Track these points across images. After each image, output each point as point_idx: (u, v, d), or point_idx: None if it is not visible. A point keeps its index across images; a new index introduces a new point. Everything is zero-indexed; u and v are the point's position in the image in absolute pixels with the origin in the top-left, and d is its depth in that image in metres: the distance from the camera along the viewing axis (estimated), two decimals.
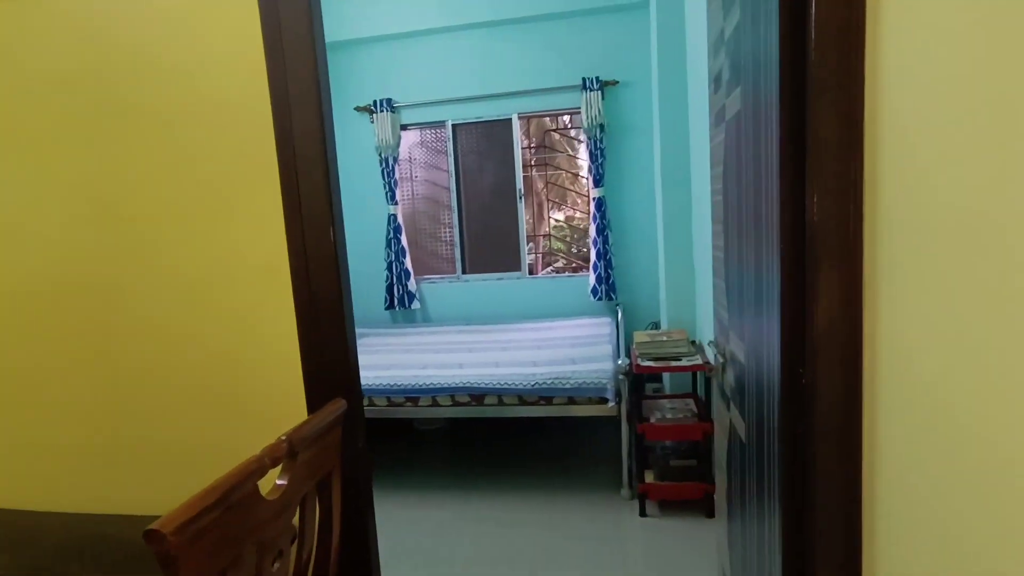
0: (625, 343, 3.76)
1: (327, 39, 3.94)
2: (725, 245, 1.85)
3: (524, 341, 4.24)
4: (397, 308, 5.21)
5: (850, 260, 1.10)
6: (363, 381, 3.48)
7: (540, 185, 5.32)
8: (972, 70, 0.73)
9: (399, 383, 3.46)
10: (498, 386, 3.32)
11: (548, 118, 5.18)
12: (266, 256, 1.48)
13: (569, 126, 5.20)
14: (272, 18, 1.32)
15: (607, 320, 4.62)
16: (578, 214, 5.38)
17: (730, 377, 1.83)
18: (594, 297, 4.89)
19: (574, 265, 5.33)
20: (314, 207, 1.44)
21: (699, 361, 3.09)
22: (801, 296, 1.19)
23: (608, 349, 3.76)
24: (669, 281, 3.60)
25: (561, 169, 5.29)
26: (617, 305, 4.79)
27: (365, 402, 3.46)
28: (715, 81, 1.92)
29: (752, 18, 1.39)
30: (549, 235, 5.40)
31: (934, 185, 0.83)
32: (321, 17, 1.41)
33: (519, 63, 4.90)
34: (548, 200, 5.47)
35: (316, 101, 1.37)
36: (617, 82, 4.74)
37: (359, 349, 4.48)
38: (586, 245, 5.26)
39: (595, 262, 4.86)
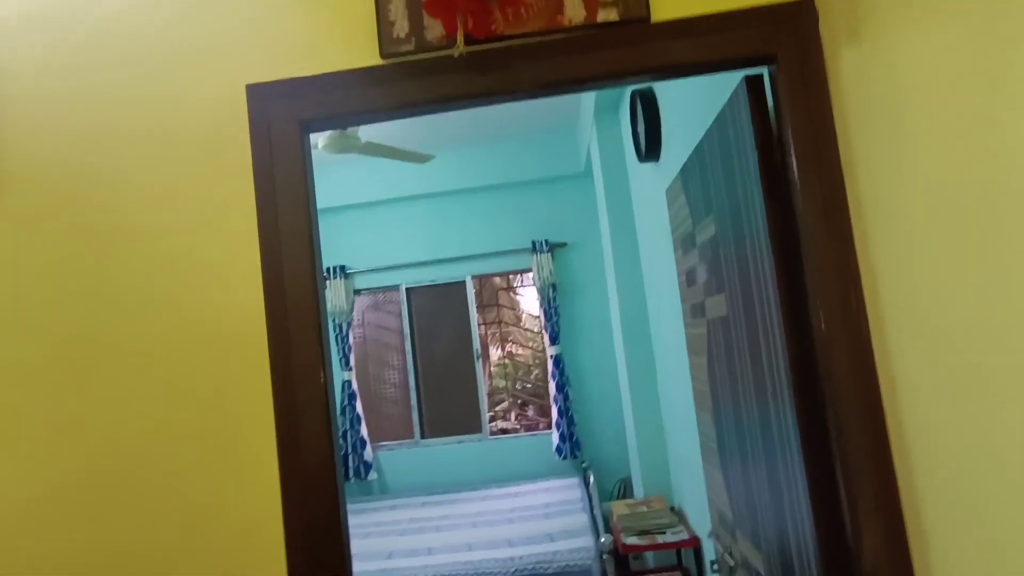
0: (601, 512, 3.61)
1: None
2: (718, 438, 1.83)
3: (494, 513, 4.00)
4: (353, 480, 4.89)
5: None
6: None
7: (483, 330, 5.33)
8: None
9: None
10: (476, 575, 3.06)
11: (500, 278, 5.31)
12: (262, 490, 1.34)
13: (519, 285, 5.34)
14: (274, 263, 1.30)
15: (575, 481, 4.46)
16: (520, 350, 5.37)
17: None
18: (559, 456, 4.76)
19: (531, 420, 5.23)
20: (313, 452, 1.33)
21: (684, 535, 2.97)
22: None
23: (584, 519, 3.59)
24: (641, 446, 3.55)
25: (511, 325, 5.35)
26: (584, 463, 4.66)
27: None
28: (687, 276, 2.01)
29: (733, 240, 1.48)
30: (491, 374, 5.30)
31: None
32: (321, 259, 1.40)
33: (471, 228, 5.08)
34: (495, 343, 5.45)
35: (316, 339, 1.32)
36: (566, 244, 4.96)
37: None
38: (529, 381, 5.22)
39: (557, 420, 4.78)
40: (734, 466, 1.70)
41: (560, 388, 4.78)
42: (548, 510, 3.90)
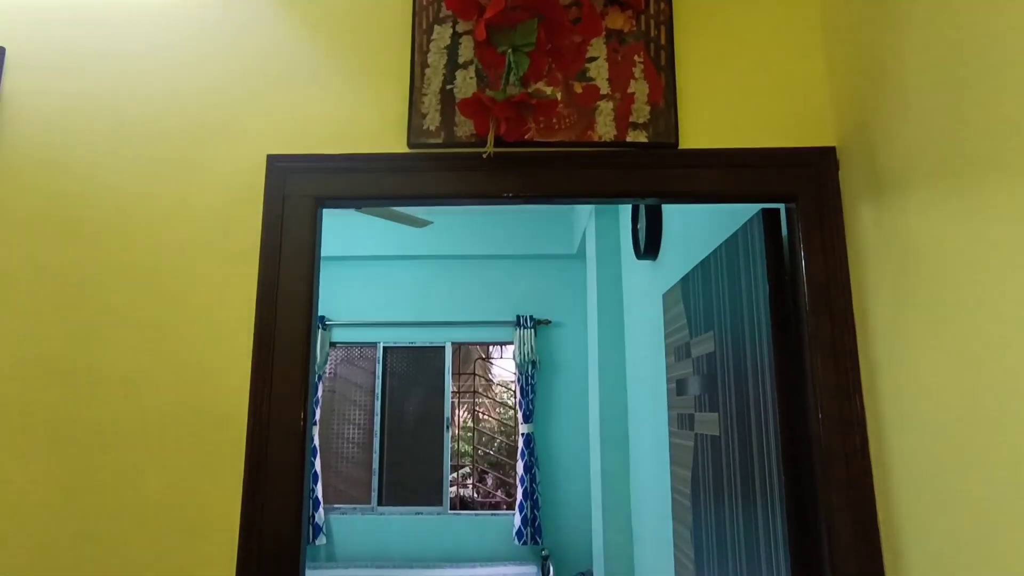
0: None
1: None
2: (697, 554, 1.77)
3: None
4: None
5: None
6: None
7: (456, 399, 5.21)
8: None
9: None
10: None
11: (477, 345, 5.26)
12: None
13: (496, 356, 5.28)
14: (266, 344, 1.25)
15: (533, 570, 4.29)
16: (487, 417, 5.24)
17: None
18: (518, 540, 4.59)
19: (489, 491, 5.05)
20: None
21: None
22: None
23: None
24: (608, 544, 3.43)
25: (483, 395, 5.25)
26: (544, 551, 4.49)
27: None
28: (678, 384, 1.99)
29: (733, 364, 1.47)
30: (457, 438, 5.14)
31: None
32: (317, 338, 1.36)
33: (456, 295, 5.06)
34: (464, 406, 5.32)
35: (300, 447, 1.26)
36: (550, 322, 4.96)
37: None
38: (492, 450, 5.08)
39: (521, 501, 4.64)
40: None
41: (528, 468, 4.66)
42: None
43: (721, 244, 1.58)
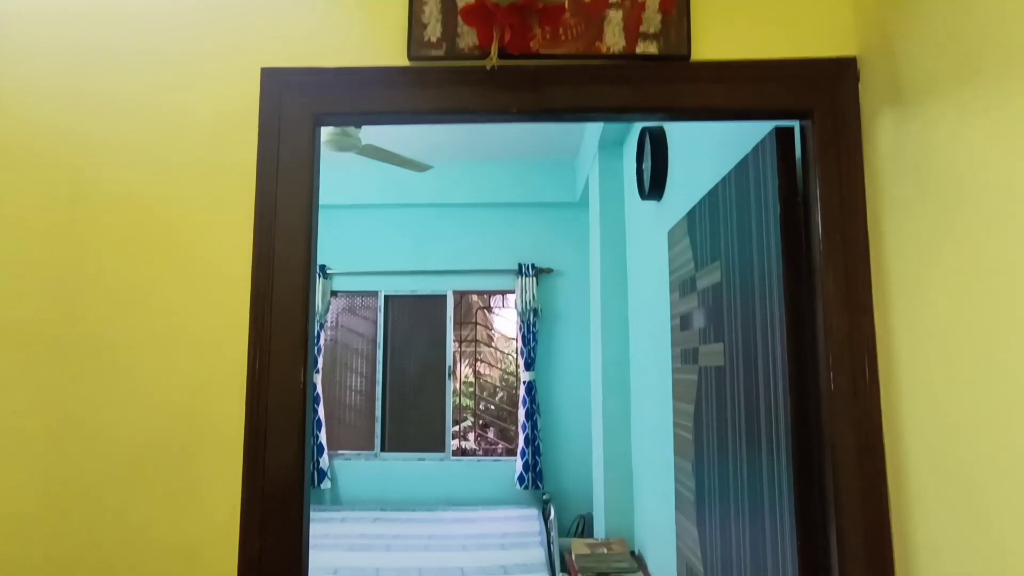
0: (559, 548, 3.52)
1: None
2: (698, 489, 1.78)
3: (448, 538, 3.88)
4: None
5: None
6: None
7: (457, 347, 5.23)
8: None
9: None
10: None
11: (477, 296, 5.24)
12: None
13: (497, 306, 5.27)
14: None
15: (534, 513, 4.37)
16: (488, 371, 5.27)
17: None
18: (520, 485, 4.67)
19: (491, 443, 5.13)
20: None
21: None
22: None
23: (541, 555, 3.50)
24: (608, 486, 3.48)
25: (486, 343, 5.27)
26: (545, 496, 4.57)
27: None
28: (682, 319, 1.98)
29: (740, 291, 1.45)
30: (459, 392, 5.18)
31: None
32: (316, 260, 1.33)
33: (458, 243, 5.03)
34: (465, 360, 5.34)
35: (302, 354, 1.24)
36: (552, 270, 4.93)
37: None
38: (494, 403, 5.14)
39: (523, 448, 4.70)
40: (713, 519, 1.65)
41: (529, 415, 4.71)
42: (504, 540, 3.80)
43: (730, 171, 1.54)
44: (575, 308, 4.91)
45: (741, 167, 1.45)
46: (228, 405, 1.21)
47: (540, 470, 4.67)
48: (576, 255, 4.95)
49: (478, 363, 5.24)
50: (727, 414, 1.55)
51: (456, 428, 5.06)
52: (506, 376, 5.23)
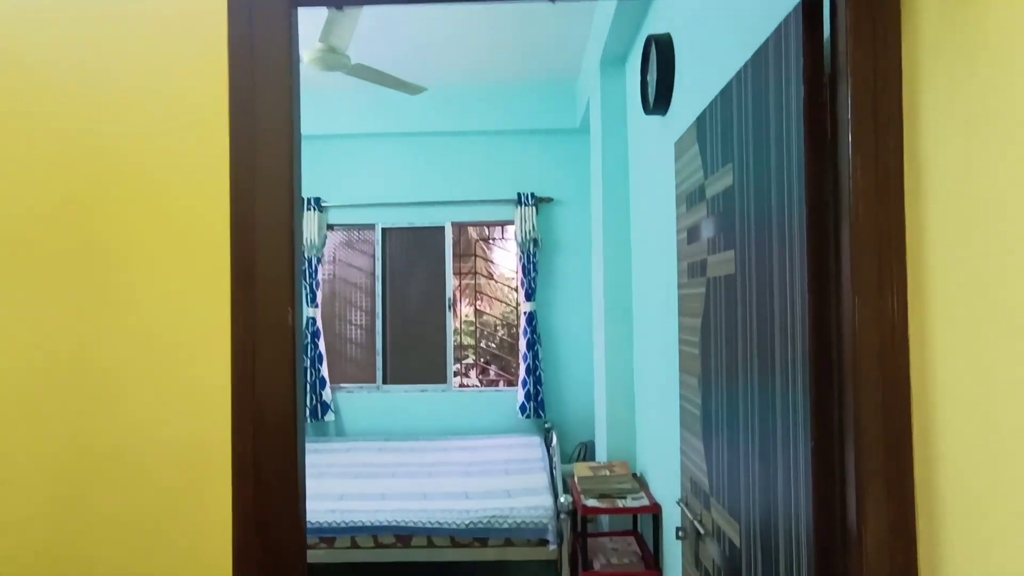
0: (561, 474, 3.56)
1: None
2: (704, 403, 1.75)
3: (452, 465, 3.93)
4: (309, 420, 4.76)
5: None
6: None
7: (456, 281, 5.18)
8: None
9: (312, 519, 3.04)
10: (429, 525, 2.99)
11: (475, 228, 5.14)
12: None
13: (497, 238, 5.17)
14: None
15: (536, 441, 4.42)
16: (488, 310, 5.24)
17: (712, 552, 1.67)
18: (522, 414, 4.70)
19: (488, 373, 5.14)
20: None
21: (645, 501, 2.93)
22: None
23: (544, 479, 3.54)
24: (610, 412, 3.48)
25: (486, 277, 5.20)
26: (547, 424, 4.61)
27: None
28: (689, 233, 1.89)
29: (754, 191, 1.35)
30: (460, 331, 5.16)
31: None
32: (300, 163, 1.24)
33: (455, 173, 4.89)
34: (466, 298, 5.30)
35: (289, 266, 1.16)
36: (552, 199, 4.81)
37: None
38: (495, 341, 5.14)
39: (524, 378, 4.71)
40: (720, 433, 1.62)
41: (530, 346, 4.70)
42: (508, 466, 3.84)
43: (745, 63, 1.42)
44: (576, 237, 4.82)
45: (758, 56, 1.34)
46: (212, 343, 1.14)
47: (542, 399, 4.69)
48: (576, 183, 4.82)
49: (478, 299, 5.20)
50: (737, 323, 1.49)
51: (457, 366, 5.06)
52: (508, 313, 5.19)
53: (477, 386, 5.10)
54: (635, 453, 3.44)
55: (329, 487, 3.51)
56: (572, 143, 4.83)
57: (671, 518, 2.71)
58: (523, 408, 4.70)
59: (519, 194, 4.74)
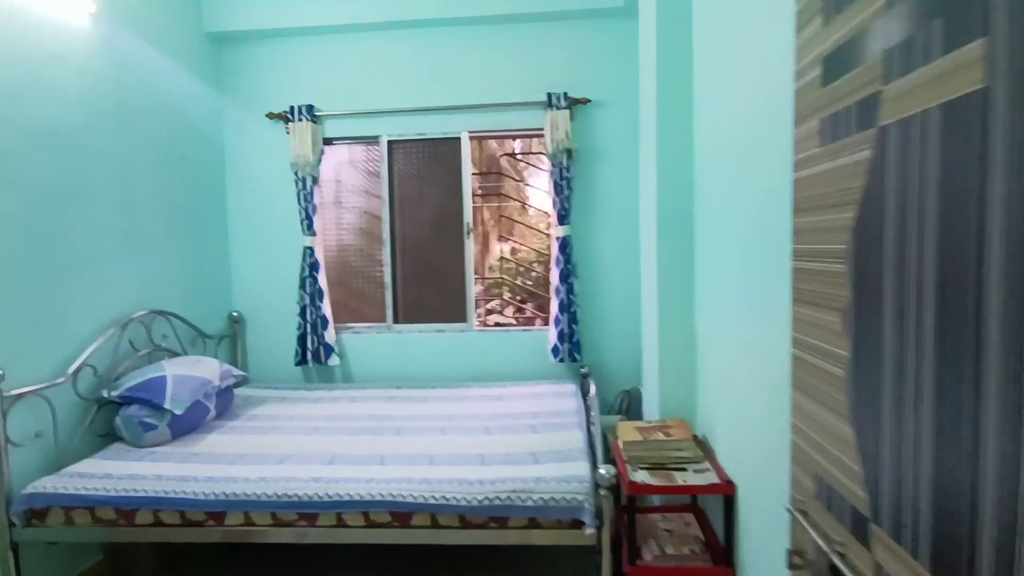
0: (601, 428, 2.88)
1: (234, 27, 2.91)
2: (861, 358, 0.99)
3: (469, 417, 3.29)
4: (311, 363, 4.17)
5: None
6: (241, 484, 2.47)
7: (487, 215, 4.42)
8: None
9: (290, 491, 2.44)
10: (433, 501, 2.35)
11: (499, 141, 4.33)
12: None
13: (523, 152, 4.35)
14: None
15: (571, 388, 3.74)
16: (524, 247, 4.48)
17: None
18: (554, 357, 4.01)
19: (524, 311, 4.42)
20: None
21: (714, 477, 2.22)
22: None
23: (579, 439, 2.86)
24: (663, 357, 2.74)
25: (512, 198, 4.41)
26: (583, 369, 3.91)
27: (238, 520, 2.44)
28: (833, 61, 1.08)
29: None
30: (488, 267, 4.45)
31: None
32: None
33: (472, 72, 4.05)
34: (495, 232, 4.55)
35: None
36: (589, 100, 3.95)
37: (249, 418, 3.42)
38: (531, 278, 4.41)
39: (556, 315, 3.99)
40: (906, 416, 0.86)
41: (564, 278, 3.95)
42: (535, 421, 3.18)
43: None
44: (619, 145, 3.98)
45: None
46: None
47: (577, 340, 3.98)
48: (620, 79, 3.94)
49: (506, 229, 4.42)
50: (974, 199, 0.71)
51: (489, 306, 4.36)
52: (545, 249, 4.41)
53: (502, 325, 4.40)
54: (695, 408, 2.72)
55: (321, 446, 2.91)
56: (614, 31, 3.92)
57: (749, 501, 2.01)
58: (555, 350, 4.00)
59: (549, 95, 3.89)
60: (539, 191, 4.32)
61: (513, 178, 4.38)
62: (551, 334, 4.03)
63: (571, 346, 3.98)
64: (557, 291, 3.98)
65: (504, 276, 4.42)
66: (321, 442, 2.98)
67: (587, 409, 3.36)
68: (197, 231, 3.94)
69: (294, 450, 2.88)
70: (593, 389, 3.18)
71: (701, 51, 2.53)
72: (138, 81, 3.38)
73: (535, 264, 4.42)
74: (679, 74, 2.66)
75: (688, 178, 2.67)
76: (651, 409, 3.00)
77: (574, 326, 3.96)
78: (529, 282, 4.44)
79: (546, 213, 4.23)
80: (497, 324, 4.38)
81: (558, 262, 3.97)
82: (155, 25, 3.55)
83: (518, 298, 4.45)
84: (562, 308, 3.96)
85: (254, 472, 2.59)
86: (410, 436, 3.04)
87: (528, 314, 4.41)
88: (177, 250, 3.72)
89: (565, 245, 3.94)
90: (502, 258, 4.43)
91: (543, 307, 4.35)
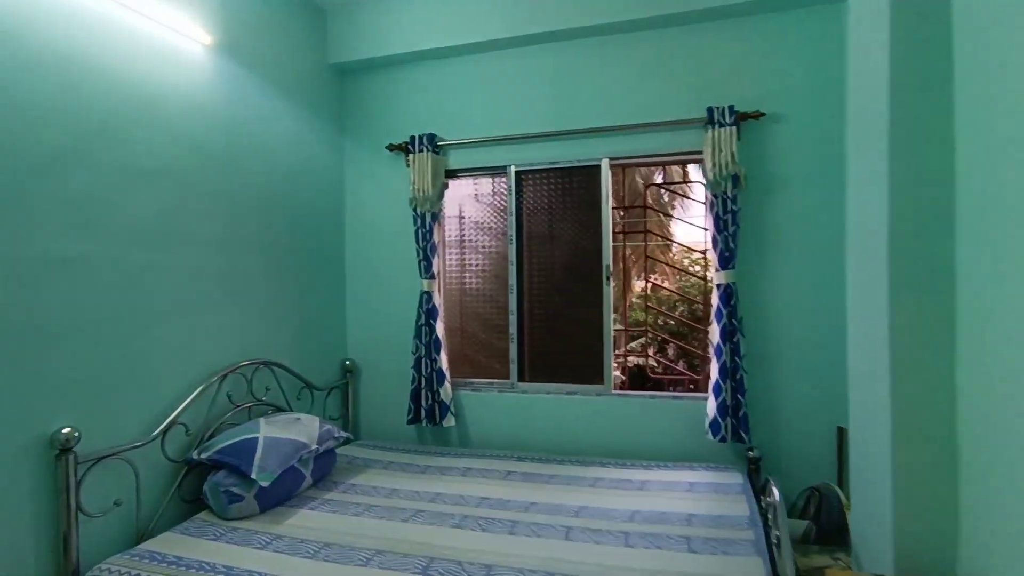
0: (789, 546, 2.04)
1: (358, 57, 2.74)
2: None
3: (603, 513, 2.58)
4: (425, 423, 3.68)
5: None
6: None
7: (627, 250, 3.72)
8: None
9: None
10: None
11: (649, 167, 3.64)
12: None
13: (670, 183, 3.62)
14: None
15: (736, 479, 2.90)
16: (666, 288, 3.71)
17: None
18: (714, 435, 3.17)
19: (666, 352, 3.62)
20: None
21: None
22: None
23: (757, 568, 2.03)
24: (900, 460, 1.87)
25: (657, 235, 3.68)
26: (750, 452, 3.05)
27: None
28: None
29: None
30: (629, 305, 3.71)
31: None
32: None
33: (613, 88, 3.44)
34: (637, 269, 3.83)
35: None
36: (763, 114, 3.16)
37: (347, 488, 2.93)
38: (674, 316, 3.61)
39: (716, 382, 3.17)
40: None
41: (727, 335, 3.14)
42: (691, 530, 2.39)
43: None
44: (804, 167, 3.15)
45: None
46: None
47: (744, 414, 3.13)
48: (803, 85, 3.13)
49: (650, 269, 3.72)
50: None
51: (628, 346, 3.66)
52: (689, 287, 3.65)
53: (654, 371, 3.64)
54: (956, 542, 1.79)
55: (416, 539, 2.35)
56: (792, 23, 3.14)
57: None
58: (715, 426, 3.17)
59: (710, 110, 3.17)
60: (687, 224, 3.56)
61: (658, 210, 3.67)
62: (709, 404, 3.21)
63: (736, 422, 3.13)
64: (718, 351, 3.17)
65: (641, 314, 3.67)
66: (420, 534, 2.41)
67: (762, 513, 2.51)
68: (311, 273, 3.65)
69: (387, 544, 2.33)
70: (776, 494, 2.33)
71: (972, 26, 1.71)
72: (251, 116, 3.16)
73: (678, 303, 3.64)
74: (930, 62, 1.84)
75: (946, 201, 1.81)
76: (868, 532, 2.09)
77: (740, 396, 3.12)
78: (672, 321, 3.66)
79: (690, 248, 3.46)
80: (637, 367, 3.64)
81: (719, 315, 3.17)
82: (275, 58, 3.34)
83: (659, 339, 3.67)
84: (724, 373, 3.13)
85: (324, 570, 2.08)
86: (526, 537, 2.38)
87: (670, 355, 3.63)
88: (287, 294, 3.43)
89: (729, 294, 3.14)
90: (643, 295, 3.71)
91: (686, 350, 3.53)
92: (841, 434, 3.01)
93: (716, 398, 3.16)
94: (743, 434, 3.12)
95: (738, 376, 3.12)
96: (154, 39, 2.61)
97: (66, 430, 2.17)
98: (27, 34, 2.12)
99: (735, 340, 3.13)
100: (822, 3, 3.06)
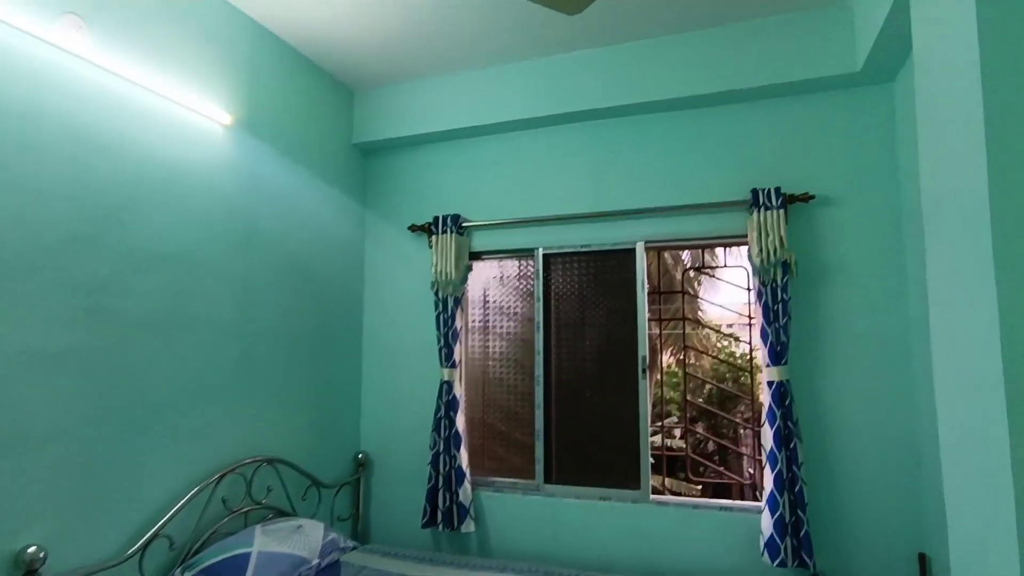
0: None
1: (374, 137, 2.25)
2: None
3: None
4: (441, 527, 3.32)
5: None
6: None
7: (655, 330, 3.42)
8: None
9: None
10: None
11: (673, 254, 3.40)
12: None
13: (709, 267, 3.37)
14: None
15: None
16: (696, 356, 3.37)
17: None
18: (771, 559, 2.76)
19: (695, 432, 3.23)
20: None
21: None
22: None
23: None
24: None
25: (693, 321, 3.39)
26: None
27: None
28: None
29: None
30: (660, 383, 3.36)
31: None
32: None
33: (649, 169, 3.26)
34: (667, 348, 3.51)
35: None
36: (812, 197, 2.93)
37: None
38: (702, 395, 3.24)
39: (772, 493, 2.79)
40: None
41: (783, 440, 2.78)
42: None
43: None
44: (861, 255, 2.87)
45: None
46: None
47: (806, 533, 2.72)
48: (856, 168, 2.91)
49: (685, 351, 3.42)
50: None
51: (660, 424, 3.30)
52: (723, 370, 3.32)
53: (686, 455, 3.26)
54: None
55: None
56: (845, 102, 2.95)
57: None
58: (772, 547, 2.76)
59: (755, 192, 2.95)
60: (716, 306, 3.27)
61: (695, 295, 3.40)
62: (764, 520, 2.82)
63: (797, 543, 2.72)
64: (771, 458, 2.80)
65: (672, 389, 3.33)
66: None
67: None
68: (326, 359, 3.42)
69: None
70: None
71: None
72: (271, 197, 3.02)
73: (711, 390, 3.30)
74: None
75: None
76: None
77: (800, 512, 2.73)
78: (700, 399, 3.31)
79: (717, 329, 3.15)
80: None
81: (771, 416, 2.83)
82: (299, 138, 3.25)
83: (690, 416, 3.31)
84: (780, 484, 2.76)
85: None
86: None
87: (699, 433, 3.25)
88: (300, 382, 3.18)
89: (783, 393, 2.81)
90: (670, 370, 3.38)
91: (715, 430, 3.15)
92: (923, 562, 2.59)
93: (772, 513, 2.77)
94: (806, 557, 2.70)
95: (797, 488, 2.74)
96: (170, 118, 2.50)
97: (32, 548, 1.90)
98: (37, 114, 2.00)
99: (792, 446, 2.77)
100: (868, 84, 2.88)
